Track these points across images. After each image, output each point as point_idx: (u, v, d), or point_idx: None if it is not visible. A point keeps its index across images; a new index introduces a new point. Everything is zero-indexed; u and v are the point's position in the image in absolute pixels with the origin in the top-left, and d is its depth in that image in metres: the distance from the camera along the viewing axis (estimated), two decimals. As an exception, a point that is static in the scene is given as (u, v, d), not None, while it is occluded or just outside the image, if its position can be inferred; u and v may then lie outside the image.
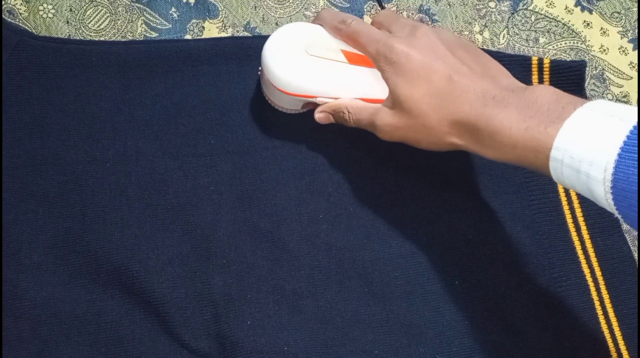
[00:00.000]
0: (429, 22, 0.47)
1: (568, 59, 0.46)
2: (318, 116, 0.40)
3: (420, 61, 0.34)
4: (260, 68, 0.40)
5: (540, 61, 0.43)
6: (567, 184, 0.29)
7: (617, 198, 0.26)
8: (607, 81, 0.46)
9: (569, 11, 0.47)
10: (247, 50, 0.43)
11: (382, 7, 0.46)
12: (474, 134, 0.32)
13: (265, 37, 0.44)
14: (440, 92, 0.33)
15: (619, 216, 0.27)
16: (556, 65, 0.43)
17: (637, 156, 0.25)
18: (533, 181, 0.42)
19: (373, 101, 0.38)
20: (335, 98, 0.38)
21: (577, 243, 0.42)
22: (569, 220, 0.42)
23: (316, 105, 0.40)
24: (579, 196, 0.42)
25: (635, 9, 0.47)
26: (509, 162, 0.32)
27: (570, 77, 0.43)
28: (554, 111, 0.29)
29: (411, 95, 0.34)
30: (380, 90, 0.37)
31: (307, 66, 0.38)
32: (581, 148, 0.27)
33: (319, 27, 0.39)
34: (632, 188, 0.25)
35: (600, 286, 0.41)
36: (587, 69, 0.46)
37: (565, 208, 0.42)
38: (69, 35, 0.44)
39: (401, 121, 0.35)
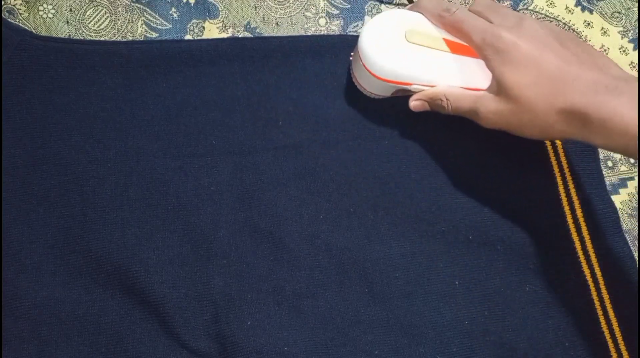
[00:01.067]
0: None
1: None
2: (414, 103, 0.40)
3: (529, 49, 0.34)
4: (352, 53, 0.40)
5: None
6: None
7: None
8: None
9: (570, 11, 0.47)
10: (249, 51, 0.43)
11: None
12: (584, 122, 0.32)
13: (266, 38, 0.44)
14: (549, 81, 0.34)
15: None
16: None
17: None
18: (534, 181, 0.42)
19: (472, 90, 0.38)
20: (431, 86, 0.39)
21: (577, 243, 0.42)
22: (570, 220, 0.42)
23: (405, 92, 0.40)
24: (579, 195, 0.42)
25: (636, 9, 0.47)
26: (615, 151, 0.32)
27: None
28: None
29: (519, 83, 0.34)
30: (479, 79, 0.37)
31: (405, 53, 0.38)
32: None
33: (419, 14, 0.39)
34: None
35: (600, 286, 0.41)
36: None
37: (566, 208, 0.42)
38: (69, 35, 0.44)
39: (507, 109, 0.35)
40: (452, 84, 0.38)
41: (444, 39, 0.38)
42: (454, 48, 0.38)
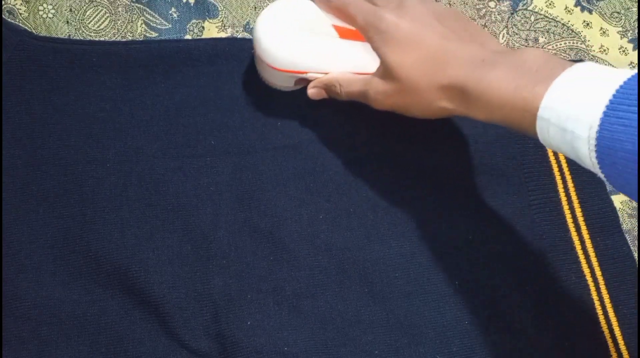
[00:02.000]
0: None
1: (568, 59, 0.46)
2: (311, 91, 0.40)
3: (410, 29, 0.35)
4: (253, 47, 0.40)
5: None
6: (553, 145, 0.29)
7: (600, 156, 0.27)
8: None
9: (569, 11, 0.47)
10: (247, 51, 0.43)
11: None
12: (463, 96, 0.33)
13: None
14: (430, 59, 0.34)
15: (602, 176, 0.28)
16: None
17: (622, 114, 0.26)
18: (533, 181, 0.42)
19: (363, 74, 0.38)
20: (326, 73, 0.39)
21: (577, 243, 0.42)
22: (569, 220, 0.42)
23: (306, 81, 0.40)
24: (579, 195, 0.42)
25: (635, 9, 0.47)
26: (497, 122, 0.32)
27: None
28: (543, 71, 0.30)
29: (401, 62, 0.35)
30: (371, 63, 0.38)
31: (298, 42, 0.38)
32: (567, 106, 0.27)
33: (309, 2, 0.40)
34: (616, 145, 0.26)
35: (600, 286, 0.41)
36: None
37: (566, 207, 0.42)
38: (69, 35, 0.44)
39: (392, 89, 0.36)
40: (344, 70, 0.39)
41: (334, 26, 0.39)
42: (344, 34, 0.39)
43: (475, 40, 0.35)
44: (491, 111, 0.32)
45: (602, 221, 0.42)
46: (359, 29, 0.38)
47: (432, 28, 0.35)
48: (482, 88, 0.31)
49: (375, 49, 0.36)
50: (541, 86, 0.29)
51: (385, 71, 0.36)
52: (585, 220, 0.42)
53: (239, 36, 0.45)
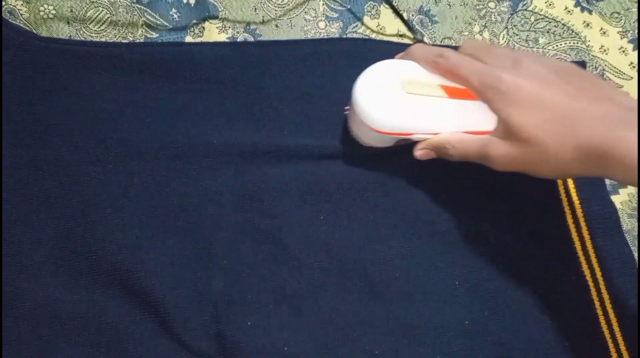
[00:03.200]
0: (429, 24, 0.47)
1: (569, 60, 0.46)
2: (418, 153, 0.38)
3: (531, 88, 0.33)
4: (347, 107, 0.39)
5: None
6: None
7: None
8: (607, 81, 0.46)
9: (569, 12, 0.47)
10: (250, 57, 0.43)
11: (413, 34, 0.46)
12: (600, 159, 0.31)
13: (265, 44, 0.44)
14: (558, 118, 0.32)
15: None
16: None
17: None
18: (533, 181, 0.42)
19: (476, 133, 0.37)
20: (434, 133, 0.37)
21: (577, 243, 0.42)
22: (570, 220, 0.42)
23: (407, 141, 0.39)
24: (580, 195, 0.42)
25: (635, 9, 0.48)
26: (636, 185, 0.30)
27: None
28: None
29: (526, 124, 0.33)
30: (482, 122, 0.36)
31: (403, 103, 0.37)
32: None
33: (411, 63, 0.38)
34: None
35: (600, 286, 0.41)
36: (588, 69, 0.46)
37: (566, 208, 0.42)
38: (70, 36, 0.44)
39: (517, 151, 0.34)
40: (454, 130, 0.37)
41: (441, 85, 0.37)
42: (452, 93, 0.37)
43: (604, 96, 0.33)
44: (631, 174, 0.30)
45: (603, 221, 0.42)
46: (473, 91, 0.36)
47: (555, 86, 0.33)
48: (622, 151, 0.29)
49: (496, 110, 0.35)
50: None
51: (508, 133, 0.34)
52: (585, 220, 0.42)
53: (239, 37, 0.45)
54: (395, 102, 0.37)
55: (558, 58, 0.46)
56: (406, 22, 0.46)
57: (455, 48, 0.39)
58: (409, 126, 0.37)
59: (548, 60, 0.36)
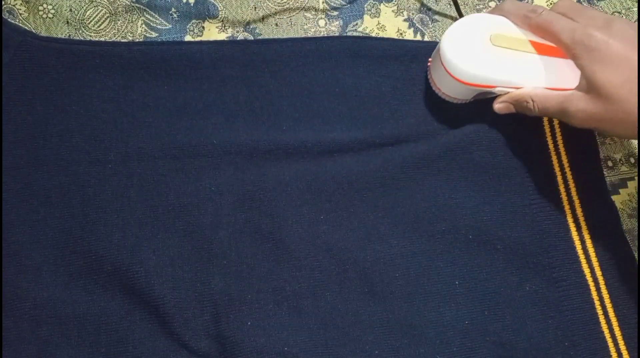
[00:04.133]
0: (429, 22, 0.47)
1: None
2: (498, 106, 0.40)
3: (621, 48, 0.34)
4: (430, 58, 0.40)
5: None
6: None
7: None
8: None
9: (569, 11, 0.47)
10: (250, 55, 0.43)
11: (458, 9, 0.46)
12: None
13: (265, 42, 0.44)
14: None
15: None
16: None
17: None
18: (534, 181, 0.42)
19: (558, 90, 0.37)
20: (516, 88, 0.38)
21: (577, 243, 0.42)
22: (570, 219, 0.42)
23: (486, 94, 0.40)
24: (580, 195, 0.42)
25: (635, 9, 0.47)
26: None
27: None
28: None
29: (611, 81, 0.34)
30: (567, 79, 0.37)
31: (489, 56, 0.38)
32: None
33: (501, 18, 0.39)
34: None
35: (601, 286, 0.41)
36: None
37: (566, 207, 0.42)
38: (69, 35, 0.44)
39: (598, 107, 0.35)
40: (537, 85, 0.38)
41: (530, 41, 0.38)
42: (540, 49, 0.38)
43: None
44: None
45: (603, 221, 0.42)
46: (562, 46, 0.37)
47: None
48: None
49: (581, 66, 0.36)
50: None
51: (592, 89, 0.35)
52: (585, 220, 0.42)
53: (239, 36, 0.45)
54: (482, 53, 0.38)
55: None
56: (458, 9, 0.46)
57: None
58: (492, 79, 0.38)
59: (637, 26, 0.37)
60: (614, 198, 0.43)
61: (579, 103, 0.36)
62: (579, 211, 0.42)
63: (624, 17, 0.47)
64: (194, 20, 0.45)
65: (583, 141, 0.43)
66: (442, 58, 0.38)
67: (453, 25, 0.39)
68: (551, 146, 0.43)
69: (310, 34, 0.46)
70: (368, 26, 0.46)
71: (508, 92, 0.39)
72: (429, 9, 0.47)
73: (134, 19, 0.45)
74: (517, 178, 0.42)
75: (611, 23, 0.36)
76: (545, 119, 0.43)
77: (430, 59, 0.41)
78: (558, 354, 0.40)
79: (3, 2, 0.44)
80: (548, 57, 0.38)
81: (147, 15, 0.45)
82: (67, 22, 0.44)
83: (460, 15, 0.46)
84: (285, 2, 0.46)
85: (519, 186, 0.42)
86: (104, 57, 0.43)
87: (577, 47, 0.36)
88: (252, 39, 0.45)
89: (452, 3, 0.47)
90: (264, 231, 0.41)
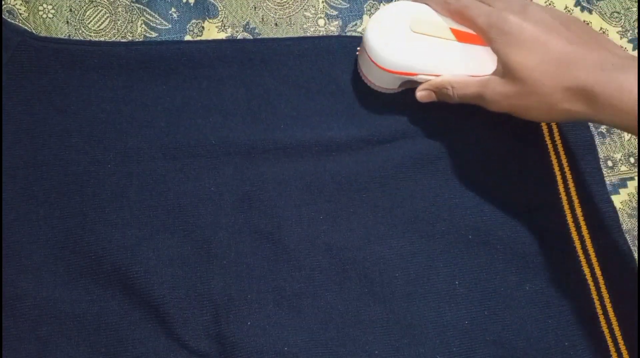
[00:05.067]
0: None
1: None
2: (420, 93, 0.40)
3: (535, 32, 0.35)
4: (359, 47, 0.40)
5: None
6: None
7: None
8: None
9: (569, 11, 0.47)
10: (248, 54, 0.43)
11: None
12: (591, 100, 0.33)
13: (264, 41, 0.44)
14: (555, 61, 0.34)
15: None
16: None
17: None
18: (533, 181, 0.42)
19: (479, 76, 0.38)
20: (437, 75, 0.39)
21: (577, 243, 0.42)
22: (570, 219, 0.42)
23: (412, 83, 0.40)
24: (580, 195, 0.42)
25: (635, 9, 0.47)
26: (623, 128, 0.32)
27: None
28: None
29: (525, 63, 0.35)
30: (485, 67, 0.38)
31: (410, 43, 0.38)
32: None
33: (423, 5, 0.40)
34: None
35: (601, 286, 0.41)
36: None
37: (566, 207, 0.42)
38: (69, 35, 0.44)
39: (513, 90, 0.36)
40: (457, 73, 0.38)
41: (450, 28, 0.39)
42: (460, 37, 0.39)
43: (601, 46, 0.35)
44: (619, 116, 0.32)
45: (603, 221, 0.42)
46: (478, 31, 0.38)
47: (557, 32, 0.35)
48: (610, 92, 0.31)
49: (496, 50, 0.37)
50: None
51: (507, 72, 0.36)
52: (585, 220, 0.42)
53: (239, 36, 0.45)
54: (403, 41, 0.38)
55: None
56: None
57: None
58: (413, 66, 0.39)
59: (555, 10, 0.37)
60: (613, 198, 0.43)
61: (495, 87, 0.37)
62: (578, 210, 0.42)
63: (622, 17, 0.47)
64: (193, 20, 0.45)
65: (582, 141, 0.43)
66: (366, 46, 0.39)
67: (376, 13, 0.39)
68: (550, 147, 0.43)
69: (309, 34, 0.46)
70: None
71: (429, 81, 0.39)
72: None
73: (133, 19, 0.45)
74: (516, 178, 0.42)
75: (526, 8, 0.36)
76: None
77: (358, 49, 0.41)
78: (558, 354, 0.40)
79: (3, 2, 0.44)
80: (468, 44, 0.39)
81: (146, 15, 0.45)
82: (67, 22, 0.44)
83: None
84: (285, 2, 0.46)
85: (518, 186, 0.42)
86: (102, 57, 0.43)
87: (492, 31, 0.36)
88: (251, 38, 0.45)
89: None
90: (263, 231, 0.41)
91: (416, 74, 0.39)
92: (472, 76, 0.38)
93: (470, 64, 0.38)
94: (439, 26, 0.39)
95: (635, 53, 0.47)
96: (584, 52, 0.34)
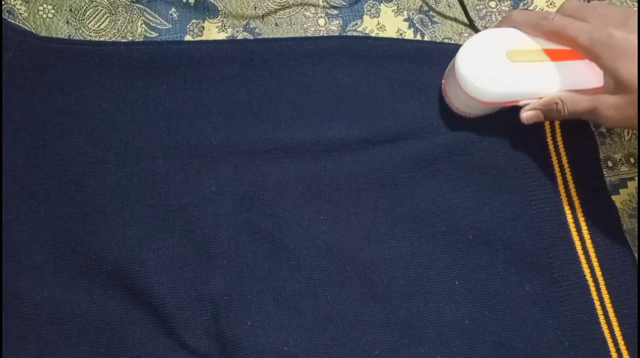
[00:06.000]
0: (429, 24, 0.47)
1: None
2: (527, 114, 0.39)
3: None
4: (443, 80, 0.40)
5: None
6: None
7: None
8: None
9: (569, 11, 0.47)
10: (248, 54, 0.43)
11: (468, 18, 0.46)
12: None
13: (265, 41, 0.44)
14: None
15: None
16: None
17: None
18: (534, 181, 0.42)
19: (583, 91, 0.38)
20: (540, 98, 0.38)
21: (577, 243, 0.42)
22: (570, 220, 0.42)
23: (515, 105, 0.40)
24: (580, 195, 0.42)
25: (635, 9, 0.47)
26: None
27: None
28: None
29: (637, 76, 0.34)
30: (589, 79, 0.37)
31: (507, 72, 0.38)
32: None
33: (512, 30, 0.39)
34: None
35: (601, 286, 0.41)
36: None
37: (566, 207, 0.42)
38: (69, 35, 0.44)
39: (628, 102, 0.35)
40: (563, 89, 0.38)
41: (544, 49, 0.38)
42: (555, 55, 0.38)
43: None
44: None
45: (603, 221, 0.42)
46: (580, 49, 0.37)
47: None
48: None
49: (605, 66, 0.36)
50: None
51: (619, 86, 0.35)
52: (585, 220, 0.42)
53: (239, 36, 0.45)
54: (499, 71, 0.38)
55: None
56: (467, 15, 0.46)
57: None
58: (514, 94, 0.38)
59: None
60: (614, 198, 0.43)
61: (609, 102, 0.36)
62: (578, 210, 0.42)
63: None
64: (193, 20, 0.45)
65: (583, 141, 0.43)
66: (460, 80, 0.38)
67: (465, 44, 0.38)
68: (551, 147, 0.43)
69: (310, 33, 0.46)
70: (368, 26, 0.46)
71: (536, 100, 0.39)
72: (429, 10, 0.47)
73: (134, 19, 0.45)
74: (517, 179, 0.42)
75: (627, 20, 0.36)
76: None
77: (443, 80, 0.40)
78: (558, 354, 0.40)
79: (3, 2, 0.44)
80: (565, 61, 0.38)
81: (147, 15, 0.45)
82: (67, 22, 0.44)
83: (469, 18, 0.46)
84: (285, 2, 0.46)
85: (519, 186, 0.42)
86: (103, 57, 0.43)
87: (597, 47, 0.36)
88: (252, 38, 0.45)
89: (451, 5, 0.47)
90: (263, 231, 0.41)
91: (518, 101, 0.39)
92: (579, 91, 0.38)
93: (571, 80, 0.38)
94: (533, 50, 0.38)
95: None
96: None
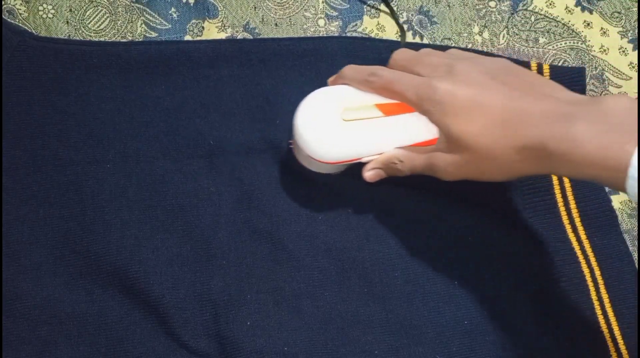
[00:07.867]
0: (428, 24, 0.47)
1: (568, 61, 0.46)
2: (368, 174, 0.38)
3: (468, 95, 0.33)
4: (290, 141, 0.39)
5: (540, 66, 0.43)
6: None
7: None
8: (606, 81, 0.46)
9: (569, 11, 0.47)
10: (247, 54, 0.43)
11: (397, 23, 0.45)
12: (544, 157, 0.30)
13: (264, 41, 0.44)
14: (498, 121, 0.32)
15: None
16: (555, 71, 0.43)
17: None
18: (528, 184, 0.42)
19: (420, 144, 0.37)
20: (380, 154, 0.37)
21: (575, 244, 0.42)
22: (566, 221, 0.42)
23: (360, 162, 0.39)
24: (576, 196, 0.42)
25: (636, 9, 0.47)
26: (583, 179, 0.30)
27: (571, 84, 0.42)
28: (628, 123, 0.28)
29: (468, 131, 0.33)
30: (424, 132, 0.36)
31: (344, 132, 0.37)
32: None
33: (345, 87, 0.38)
34: None
35: (600, 287, 0.41)
36: (587, 69, 0.46)
37: (562, 209, 0.42)
38: (69, 35, 0.44)
39: (462, 159, 0.34)
40: (398, 146, 0.37)
41: (377, 105, 0.37)
42: (388, 110, 0.37)
43: (542, 93, 0.32)
44: (577, 170, 0.29)
45: (600, 221, 0.42)
46: (410, 104, 0.36)
47: (491, 89, 0.33)
48: (565, 147, 0.29)
49: (435, 121, 0.35)
50: (630, 143, 0.27)
51: (451, 143, 0.34)
52: (582, 221, 0.42)
53: (239, 36, 0.45)
54: (335, 132, 0.37)
55: (557, 58, 0.46)
56: (398, 22, 0.46)
57: (460, 49, 0.39)
58: (353, 153, 0.37)
59: (482, 62, 0.35)
60: (613, 198, 0.43)
61: (445, 159, 0.35)
62: (574, 212, 0.42)
63: (623, 17, 0.47)
64: (193, 20, 0.45)
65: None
66: (300, 143, 0.37)
67: (301, 106, 0.37)
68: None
69: (309, 34, 0.46)
70: (367, 27, 0.46)
71: (374, 159, 0.38)
72: (428, 12, 0.47)
73: (133, 19, 0.45)
74: (515, 180, 0.42)
75: (452, 69, 0.34)
76: None
77: (290, 142, 0.40)
78: (558, 354, 0.40)
79: (3, 2, 0.44)
80: (398, 116, 0.37)
81: (146, 15, 0.45)
82: (67, 22, 0.44)
83: (398, 23, 0.45)
84: (285, 2, 0.46)
85: (516, 187, 0.42)
86: (102, 57, 0.43)
87: (425, 103, 0.34)
88: (250, 38, 0.45)
89: (451, 5, 0.47)
90: (262, 231, 0.41)
91: (360, 159, 0.38)
92: (415, 145, 0.37)
93: (408, 134, 0.37)
94: (365, 107, 0.37)
95: (635, 54, 0.47)
96: (528, 105, 0.31)
